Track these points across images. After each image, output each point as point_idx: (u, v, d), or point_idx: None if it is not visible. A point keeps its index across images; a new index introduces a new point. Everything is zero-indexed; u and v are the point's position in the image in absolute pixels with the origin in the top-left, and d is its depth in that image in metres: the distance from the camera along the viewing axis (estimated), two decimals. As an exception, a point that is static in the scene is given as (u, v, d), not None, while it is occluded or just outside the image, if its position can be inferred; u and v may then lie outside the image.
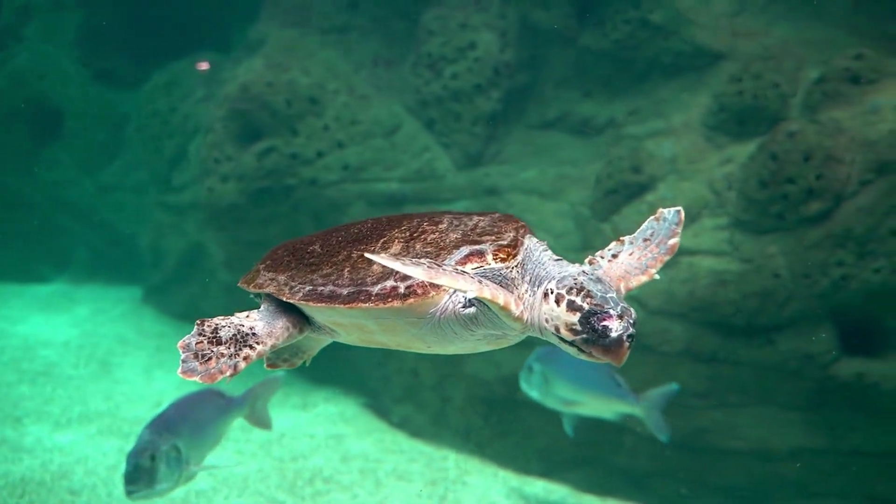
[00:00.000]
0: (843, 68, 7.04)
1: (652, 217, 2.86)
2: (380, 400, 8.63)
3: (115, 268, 12.36)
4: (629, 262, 2.77)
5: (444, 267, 2.43)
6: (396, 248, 2.71)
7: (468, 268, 2.55)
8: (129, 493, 4.87)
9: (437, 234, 2.72)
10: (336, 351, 9.32)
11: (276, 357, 3.20)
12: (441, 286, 2.49)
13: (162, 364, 9.57)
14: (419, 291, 2.53)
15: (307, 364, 3.29)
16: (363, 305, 2.59)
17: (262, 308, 2.91)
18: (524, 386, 6.91)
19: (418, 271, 2.32)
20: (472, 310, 2.55)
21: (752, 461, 6.92)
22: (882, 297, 6.54)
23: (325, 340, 3.16)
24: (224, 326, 2.81)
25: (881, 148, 6.59)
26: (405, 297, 2.54)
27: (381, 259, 2.37)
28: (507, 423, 7.61)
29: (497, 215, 2.79)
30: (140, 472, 4.86)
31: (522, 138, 8.75)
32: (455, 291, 2.54)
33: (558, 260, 2.62)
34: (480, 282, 2.41)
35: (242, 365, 2.73)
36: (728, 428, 6.92)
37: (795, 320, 6.66)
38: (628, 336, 2.33)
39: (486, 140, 8.66)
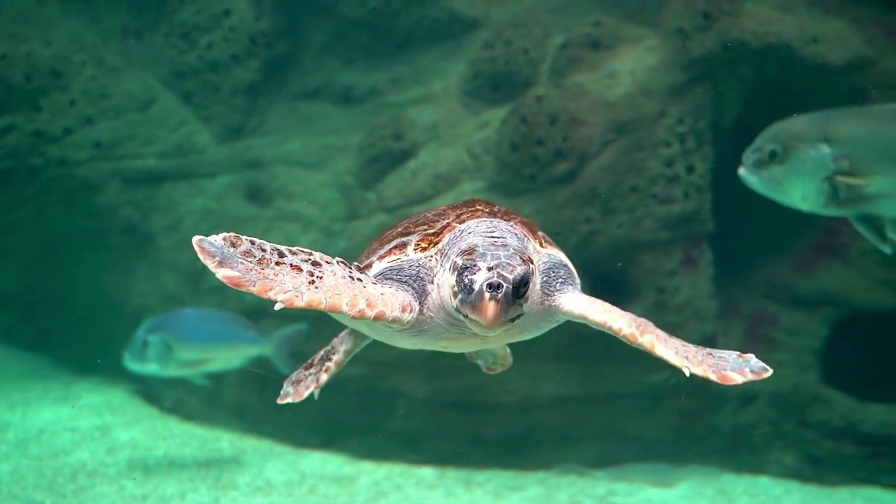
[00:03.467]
0: (584, 34, 7.40)
1: (738, 353, 2.56)
2: (150, 385, 8.28)
3: None
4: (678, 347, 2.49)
5: (280, 265, 2.23)
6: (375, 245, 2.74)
7: (386, 261, 2.43)
8: None
9: (392, 229, 2.72)
10: (98, 340, 8.79)
11: (484, 364, 3.47)
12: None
13: None
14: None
15: (507, 367, 3.52)
16: None
17: None
18: (134, 365, 6.82)
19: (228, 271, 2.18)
20: None
21: (518, 413, 7.23)
22: (626, 250, 6.99)
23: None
24: (319, 353, 3.20)
25: (619, 109, 7.01)
26: None
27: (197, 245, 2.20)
28: (282, 397, 7.52)
29: (464, 201, 2.69)
30: None
31: (284, 109, 8.59)
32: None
33: (495, 240, 2.31)
34: (358, 279, 2.23)
35: (324, 377, 3.07)
36: (496, 384, 7.17)
37: (550, 276, 6.97)
38: (489, 286, 2.01)
39: (247, 112, 8.43)
